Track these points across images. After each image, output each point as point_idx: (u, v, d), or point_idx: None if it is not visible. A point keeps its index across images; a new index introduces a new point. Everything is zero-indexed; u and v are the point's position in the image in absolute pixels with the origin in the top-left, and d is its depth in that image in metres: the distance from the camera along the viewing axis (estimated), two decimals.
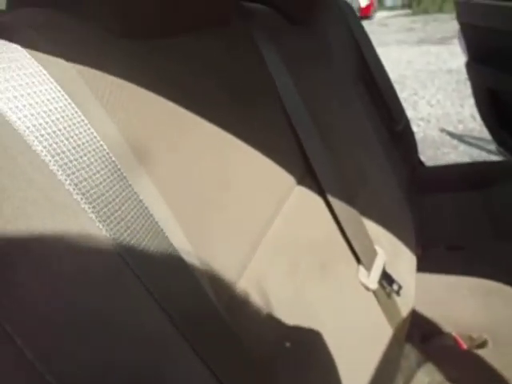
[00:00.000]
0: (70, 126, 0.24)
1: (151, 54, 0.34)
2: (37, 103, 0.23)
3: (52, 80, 0.24)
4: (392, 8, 13.96)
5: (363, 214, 0.64)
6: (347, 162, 0.70)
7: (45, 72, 0.24)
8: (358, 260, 0.61)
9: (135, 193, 0.27)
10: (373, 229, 0.67)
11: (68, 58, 0.26)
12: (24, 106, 0.22)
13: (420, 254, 0.88)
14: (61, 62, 0.26)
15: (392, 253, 0.71)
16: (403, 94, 4.26)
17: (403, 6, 13.71)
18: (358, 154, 0.78)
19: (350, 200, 0.61)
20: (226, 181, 0.40)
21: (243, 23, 0.55)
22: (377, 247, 0.66)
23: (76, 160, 0.23)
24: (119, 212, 0.25)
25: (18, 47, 0.25)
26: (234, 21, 0.52)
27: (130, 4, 0.32)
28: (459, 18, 2.21)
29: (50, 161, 0.22)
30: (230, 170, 0.41)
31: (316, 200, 0.58)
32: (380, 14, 12.97)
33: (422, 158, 1.61)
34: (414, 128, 3.41)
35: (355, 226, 0.60)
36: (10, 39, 0.25)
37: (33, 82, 0.23)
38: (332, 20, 0.99)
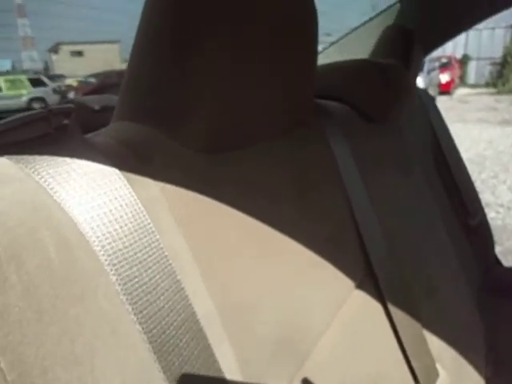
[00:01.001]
0: (142, 251, 0.25)
1: (227, 166, 0.37)
2: (115, 220, 0.25)
3: (135, 197, 0.26)
4: (475, 86, 13.70)
5: (426, 328, 0.59)
6: (413, 265, 0.66)
7: (130, 189, 0.27)
8: (416, 380, 0.55)
9: (199, 325, 0.27)
10: (436, 344, 0.61)
11: (154, 177, 0.29)
12: (102, 222, 0.24)
13: (490, 375, 0.77)
14: (146, 180, 0.28)
15: (456, 375, 0.63)
16: (482, 176, 4.03)
17: (487, 85, 13.38)
18: (425, 257, 0.73)
19: (412, 310, 0.57)
20: (281, 285, 0.40)
21: (317, 121, 0.57)
22: (438, 366, 0.59)
23: (142, 287, 0.25)
24: (179, 350, 0.25)
25: (108, 162, 0.27)
26: (308, 121, 0.54)
27: (215, 119, 0.35)
28: None
29: (121, 289, 0.24)
30: (290, 272, 0.41)
31: (375, 308, 0.54)
32: (461, 91, 12.76)
33: (499, 248, 1.46)
34: (492, 214, 3.18)
35: (416, 341, 0.55)
36: (103, 153, 0.28)
37: (115, 198, 0.26)
38: (409, 116, 0.99)
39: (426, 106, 1.20)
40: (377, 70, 0.70)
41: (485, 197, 3.42)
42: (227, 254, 0.33)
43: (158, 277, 0.26)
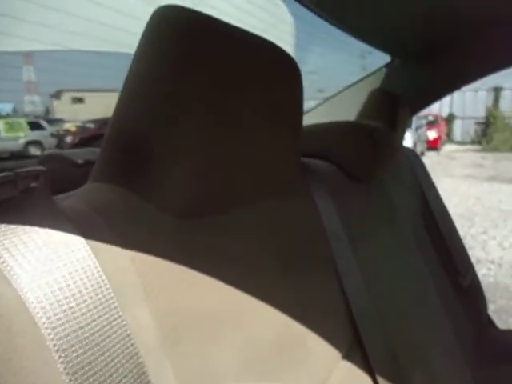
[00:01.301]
0: (100, 330, 0.23)
1: (205, 233, 0.35)
2: (72, 296, 0.23)
3: (99, 269, 0.25)
4: (461, 143, 14.22)
5: None
6: (402, 333, 0.63)
7: (94, 260, 0.25)
8: None
9: None
10: None
11: (124, 245, 0.28)
12: (56, 299, 0.22)
13: None
14: (115, 249, 0.27)
15: None
16: (472, 231, 4.05)
17: (473, 142, 13.91)
18: (415, 323, 0.70)
19: (402, 382, 0.53)
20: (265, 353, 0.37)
21: (303, 181, 0.57)
22: None
23: (96, 374, 0.22)
24: None
25: (74, 230, 0.26)
26: (294, 179, 0.53)
27: (193, 183, 0.34)
28: None
29: (69, 380, 0.21)
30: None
31: (362, 379, 0.51)
32: (448, 147, 13.22)
33: (492, 307, 1.42)
34: (484, 271, 3.15)
35: None
36: (70, 219, 0.26)
37: (76, 270, 0.24)
38: (397, 175, 1.00)
39: (413, 165, 1.22)
40: (363, 131, 0.71)
41: (475, 253, 3.41)
42: (199, 328, 0.30)
43: (116, 360, 0.23)
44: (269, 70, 0.41)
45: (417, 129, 10.56)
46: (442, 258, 1.06)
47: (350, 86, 1.38)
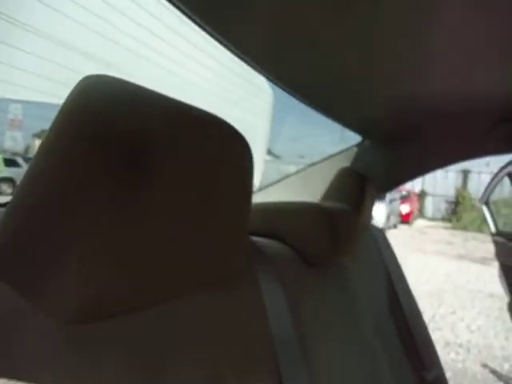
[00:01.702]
0: None
1: (108, 336, 0.30)
2: None
3: None
4: (432, 219, 14.70)
5: None
6: None
7: None
8: None
9: None
10: None
11: None
12: None
13: None
14: None
15: None
16: (441, 310, 4.01)
17: (443, 219, 14.40)
18: None
19: None
20: None
21: (249, 264, 0.52)
22: None
23: None
24: None
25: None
26: (239, 262, 0.49)
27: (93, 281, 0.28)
28: (498, 256, 2.19)
29: None
30: None
31: None
32: (420, 222, 13.61)
33: None
34: (452, 355, 3.07)
35: None
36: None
37: None
38: (360, 259, 0.97)
39: (379, 246, 1.20)
40: (321, 213, 0.69)
41: (444, 334, 3.34)
42: None
43: None
44: (206, 144, 0.37)
45: (390, 202, 10.91)
46: (407, 349, 1.01)
47: (319, 162, 1.40)
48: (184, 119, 0.35)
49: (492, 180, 2.03)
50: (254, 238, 0.64)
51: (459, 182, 14.55)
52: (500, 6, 0.54)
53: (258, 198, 1.51)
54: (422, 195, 15.00)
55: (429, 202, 15.20)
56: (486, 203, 2.17)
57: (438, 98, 0.97)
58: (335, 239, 0.69)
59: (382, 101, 0.99)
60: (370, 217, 1.23)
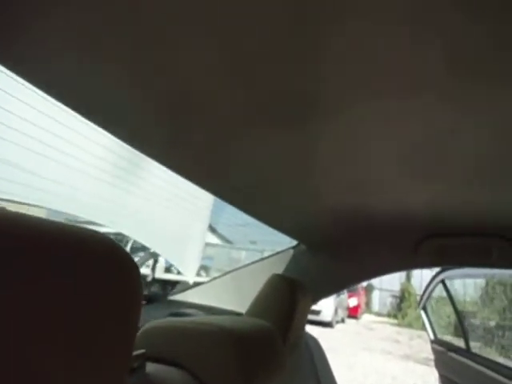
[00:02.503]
0: None
1: None
2: None
3: None
4: (378, 314, 14.69)
5: None
6: None
7: None
8: None
9: None
10: None
11: None
12: None
13: None
14: None
15: None
16: None
17: (389, 315, 14.44)
18: None
19: None
20: None
21: None
22: None
23: None
24: None
25: None
26: None
27: None
28: (437, 366, 2.14)
29: None
30: None
31: None
32: (367, 317, 13.54)
33: None
34: None
35: None
36: None
37: None
38: (288, 369, 0.87)
39: (312, 353, 1.12)
40: (232, 338, 0.61)
41: None
42: None
43: None
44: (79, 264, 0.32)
45: (338, 295, 10.86)
46: None
47: (254, 263, 1.35)
48: (55, 239, 0.30)
49: (427, 287, 2.07)
50: (153, 366, 0.55)
51: (404, 277, 14.96)
52: (421, 134, 0.57)
53: (190, 297, 1.40)
54: (369, 289, 15.16)
55: (375, 297, 15.34)
56: (424, 309, 2.18)
57: (370, 212, 1.00)
58: (244, 367, 0.60)
59: (318, 211, 1.00)
60: (303, 325, 1.16)
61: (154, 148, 0.68)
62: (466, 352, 1.92)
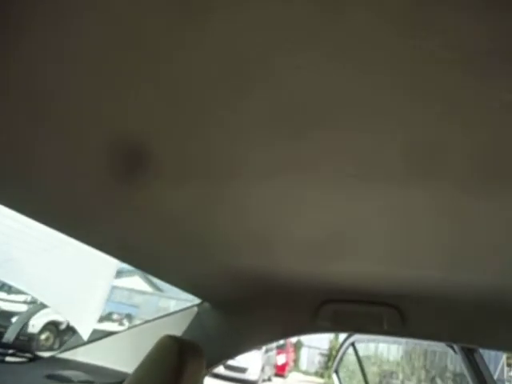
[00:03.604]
0: None
1: None
2: None
3: None
4: (306, 372, 14.43)
5: None
6: None
7: None
8: None
9: None
10: None
11: None
12: None
13: None
14: None
15: None
16: None
17: (316, 373, 14.24)
18: None
19: None
20: None
21: None
22: None
23: None
24: None
25: None
26: None
27: None
28: None
29: None
30: None
31: None
32: (295, 376, 13.22)
33: None
34: None
35: None
36: None
37: None
38: None
39: None
40: None
41: None
42: None
43: None
44: None
45: (266, 351, 10.55)
46: None
47: (155, 320, 1.28)
48: None
49: (339, 350, 2.08)
50: None
51: (332, 334, 15.03)
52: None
53: (81, 354, 1.27)
54: (298, 346, 14.97)
55: (304, 354, 15.14)
56: (336, 372, 2.17)
57: (271, 274, 1.00)
58: None
59: (219, 271, 0.98)
60: None
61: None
62: None
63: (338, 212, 0.61)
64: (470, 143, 0.42)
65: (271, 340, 1.23)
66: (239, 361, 9.17)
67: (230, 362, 9.14)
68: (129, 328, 1.33)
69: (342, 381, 2.17)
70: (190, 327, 1.23)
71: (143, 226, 0.74)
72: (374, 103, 0.38)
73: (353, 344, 2.00)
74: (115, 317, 10.98)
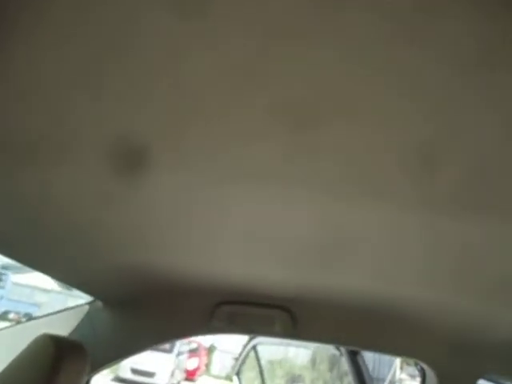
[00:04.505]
0: None
1: None
2: None
3: None
4: (217, 376, 14.39)
5: None
6: None
7: None
8: None
9: None
10: None
11: None
12: None
13: None
14: None
15: None
16: None
17: (227, 377, 14.28)
18: None
19: None
20: None
21: None
22: None
23: None
24: None
25: None
26: None
27: None
28: None
29: None
30: None
31: None
32: (205, 380, 13.10)
33: None
34: None
35: None
36: None
37: None
38: None
39: None
40: None
41: None
42: None
43: None
44: None
45: (178, 354, 10.32)
46: None
47: (41, 317, 1.18)
48: None
49: (241, 353, 2.11)
50: None
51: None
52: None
53: None
54: (211, 349, 14.89)
55: (216, 358, 15.09)
56: (237, 374, 2.20)
57: (164, 275, 0.98)
58: None
59: (109, 267, 0.93)
60: None
61: None
62: None
63: (238, 212, 0.62)
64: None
65: (165, 340, 1.20)
66: (147, 365, 8.85)
67: (138, 366, 8.79)
68: (10, 326, 1.21)
69: (242, 382, 2.20)
70: (79, 326, 1.16)
71: (20, 214, 0.69)
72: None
73: (254, 347, 2.04)
74: (12, 316, 9.96)
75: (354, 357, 1.50)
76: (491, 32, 0.30)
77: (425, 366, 1.21)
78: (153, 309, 1.13)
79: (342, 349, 1.55)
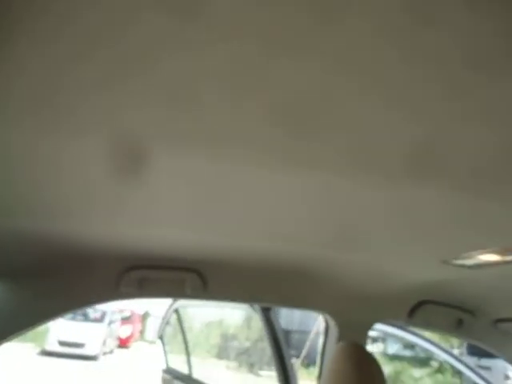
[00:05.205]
0: None
1: None
2: None
3: None
4: (152, 342, 14.50)
5: None
6: None
7: None
8: None
9: None
10: None
11: None
12: None
13: None
14: None
15: None
16: None
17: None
18: None
19: None
20: None
21: None
22: None
23: None
24: None
25: None
26: None
27: None
28: None
29: None
30: None
31: None
32: (139, 345, 13.14)
33: None
34: None
35: None
36: None
37: None
38: None
39: None
40: None
41: None
42: None
43: None
44: None
45: (110, 323, 10.17)
46: None
47: None
48: None
49: (164, 317, 2.13)
50: None
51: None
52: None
53: None
54: (145, 316, 14.87)
55: (151, 324, 15.14)
56: (161, 338, 2.23)
57: (66, 241, 0.93)
58: None
59: (6, 234, 0.86)
60: None
61: None
62: (188, 378, 2.04)
63: (145, 180, 0.60)
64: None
65: (72, 309, 1.16)
66: (76, 336, 8.62)
67: (65, 338, 8.52)
68: None
69: (165, 345, 2.24)
70: None
71: None
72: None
73: (176, 310, 2.07)
74: None
75: (266, 313, 1.59)
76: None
77: (327, 317, 1.32)
78: (56, 277, 1.08)
79: (256, 306, 1.63)
